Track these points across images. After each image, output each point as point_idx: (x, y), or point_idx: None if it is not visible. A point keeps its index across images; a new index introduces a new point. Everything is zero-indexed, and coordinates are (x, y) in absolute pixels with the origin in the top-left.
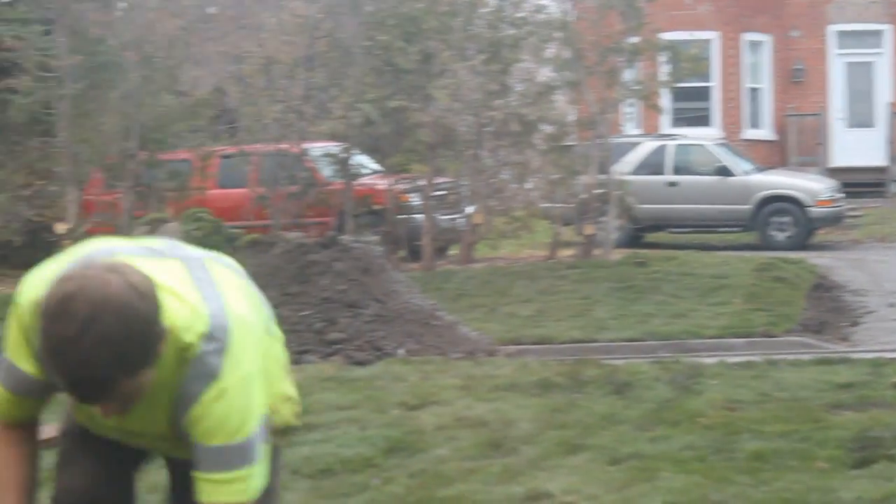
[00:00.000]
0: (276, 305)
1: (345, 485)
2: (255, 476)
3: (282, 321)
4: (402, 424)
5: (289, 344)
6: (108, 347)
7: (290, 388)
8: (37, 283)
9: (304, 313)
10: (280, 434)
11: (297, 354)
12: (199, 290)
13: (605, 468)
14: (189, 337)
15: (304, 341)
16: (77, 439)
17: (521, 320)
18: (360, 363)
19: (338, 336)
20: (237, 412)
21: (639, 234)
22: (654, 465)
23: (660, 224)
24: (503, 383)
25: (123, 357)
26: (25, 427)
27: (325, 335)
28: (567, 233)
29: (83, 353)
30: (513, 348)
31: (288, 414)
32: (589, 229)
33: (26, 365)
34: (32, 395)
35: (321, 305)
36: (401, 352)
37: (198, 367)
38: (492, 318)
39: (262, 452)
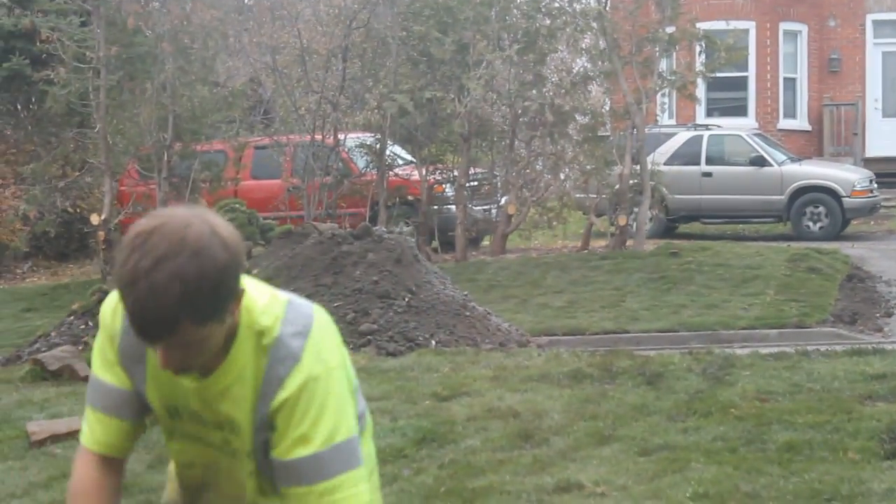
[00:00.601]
0: (309, 296)
1: None
2: (362, 483)
3: None
4: (434, 415)
5: None
6: (178, 286)
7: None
8: (115, 294)
9: (336, 304)
10: None
11: None
12: (285, 293)
13: (636, 459)
14: (267, 320)
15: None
16: None
17: (553, 311)
18: (392, 354)
19: (370, 327)
20: (323, 409)
21: (672, 224)
22: (685, 456)
23: (693, 214)
24: (534, 374)
25: (192, 299)
26: (116, 462)
27: (357, 326)
28: (600, 223)
29: (153, 288)
30: (545, 339)
31: None
32: (622, 220)
33: (111, 376)
34: (122, 414)
35: (354, 296)
36: (433, 343)
37: (279, 349)
38: (524, 308)
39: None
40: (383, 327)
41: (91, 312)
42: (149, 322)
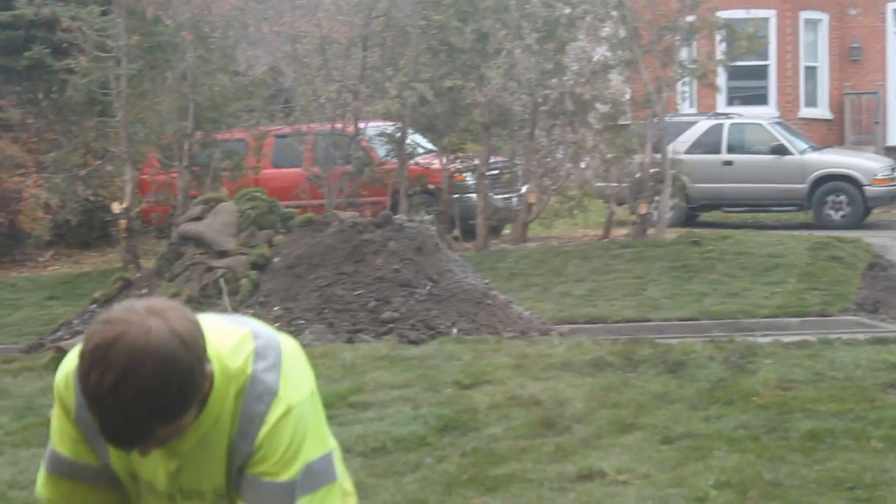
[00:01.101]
0: (330, 284)
1: (398, 463)
2: (335, 497)
3: (336, 300)
4: (456, 403)
5: (342, 323)
6: (146, 399)
7: (348, 484)
8: (68, 359)
9: (357, 292)
10: None
11: (351, 333)
12: (248, 325)
13: (659, 447)
14: (237, 361)
15: (357, 320)
16: None
17: (574, 300)
18: (414, 342)
19: (391, 315)
20: (303, 438)
21: (693, 213)
22: (707, 445)
23: (714, 203)
24: (556, 362)
25: (161, 407)
26: None
27: (378, 314)
28: (621, 212)
29: (121, 404)
30: (566, 327)
31: None
32: (643, 208)
33: (75, 452)
34: (96, 482)
35: (375, 285)
36: (454, 331)
37: (255, 387)
38: (545, 297)
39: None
40: (405, 315)
41: (113, 301)
42: (121, 436)
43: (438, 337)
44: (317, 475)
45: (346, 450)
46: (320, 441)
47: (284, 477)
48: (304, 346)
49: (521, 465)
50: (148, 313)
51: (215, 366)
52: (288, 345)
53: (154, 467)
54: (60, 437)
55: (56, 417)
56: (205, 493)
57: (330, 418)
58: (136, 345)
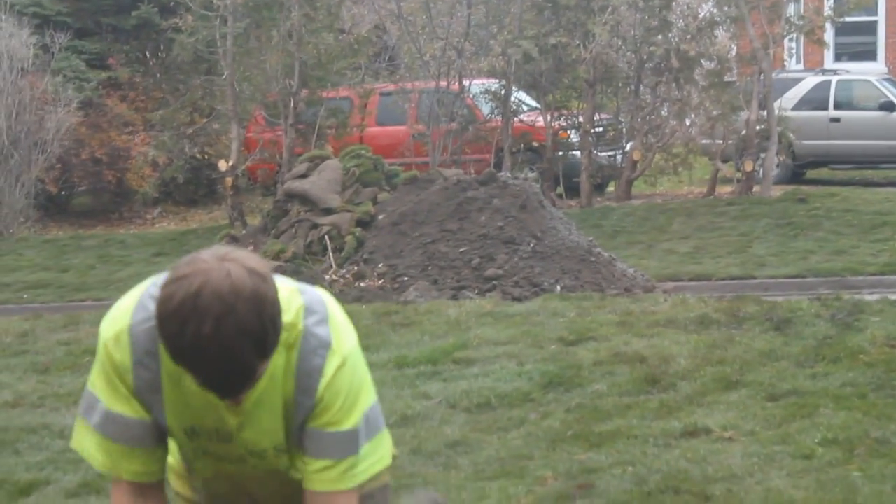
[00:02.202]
0: (434, 241)
1: (502, 419)
2: (367, 459)
3: (440, 257)
4: (560, 360)
5: (446, 280)
6: (247, 336)
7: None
8: (115, 317)
9: (462, 249)
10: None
11: (455, 290)
12: (291, 280)
13: (764, 404)
14: (288, 317)
15: (461, 277)
16: None
17: (679, 257)
18: (518, 299)
19: (495, 272)
20: (360, 387)
21: (799, 170)
22: (813, 402)
23: (821, 160)
24: (661, 319)
25: (261, 342)
26: (152, 488)
27: (482, 271)
28: (727, 169)
29: (225, 347)
30: (670, 285)
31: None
32: (749, 166)
33: (128, 409)
34: (146, 443)
35: (479, 242)
36: (558, 288)
37: (309, 342)
38: (649, 254)
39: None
40: (508, 273)
41: None
42: (230, 381)
43: (542, 294)
44: (374, 422)
45: (451, 405)
46: (371, 390)
47: (348, 425)
48: (409, 302)
49: (626, 422)
50: (218, 259)
51: None
52: (330, 299)
53: (219, 420)
54: (112, 396)
55: (103, 379)
56: (266, 452)
57: (435, 374)
58: (223, 288)
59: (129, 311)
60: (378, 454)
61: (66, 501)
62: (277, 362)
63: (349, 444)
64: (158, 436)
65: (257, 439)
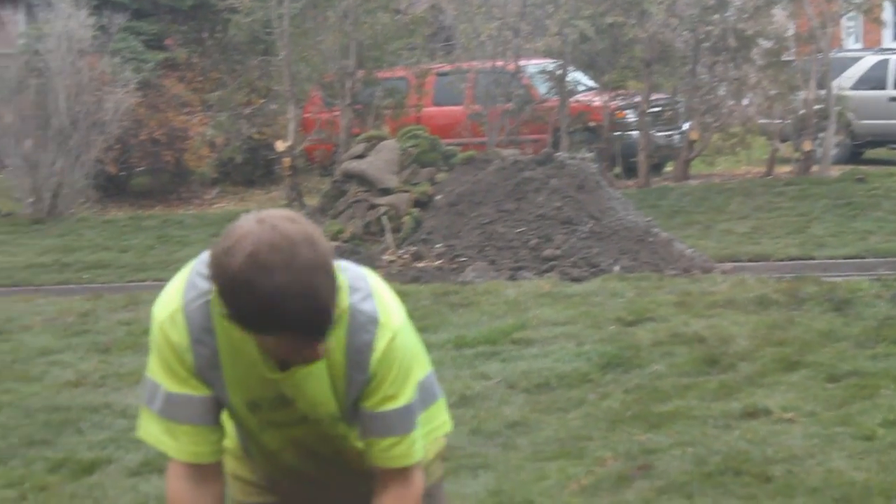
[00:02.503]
0: (492, 222)
1: (561, 399)
2: (443, 411)
3: (497, 238)
4: (619, 340)
5: (504, 260)
6: (319, 270)
7: None
8: (167, 299)
9: (519, 230)
10: (439, 458)
11: (513, 271)
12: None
13: (824, 385)
14: None
15: (519, 258)
16: None
17: (737, 237)
18: (576, 279)
19: (553, 253)
20: (412, 361)
21: (858, 150)
22: (874, 383)
23: (880, 140)
24: (720, 300)
25: (332, 273)
26: (211, 469)
27: (540, 252)
28: (785, 149)
29: (305, 287)
30: (729, 265)
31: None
32: (807, 145)
33: (189, 388)
34: (208, 420)
35: (536, 222)
36: (616, 268)
37: (356, 318)
38: (707, 235)
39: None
40: (566, 253)
41: None
42: (320, 320)
43: (600, 274)
44: (428, 391)
45: (510, 385)
46: (424, 361)
47: (404, 399)
48: (467, 283)
49: (685, 403)
50: (257, 222)
51: None
52: (372, 274)
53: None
54: (172, 378)
55: (161, 364)
56: (321, 420)
57: (494, 354)
58: (276, 239)
59: (179, 291)
60: (437, 421)
61: (127, 480)
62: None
63: (409, 418)
64: (218, 414)
65: (311, 409)
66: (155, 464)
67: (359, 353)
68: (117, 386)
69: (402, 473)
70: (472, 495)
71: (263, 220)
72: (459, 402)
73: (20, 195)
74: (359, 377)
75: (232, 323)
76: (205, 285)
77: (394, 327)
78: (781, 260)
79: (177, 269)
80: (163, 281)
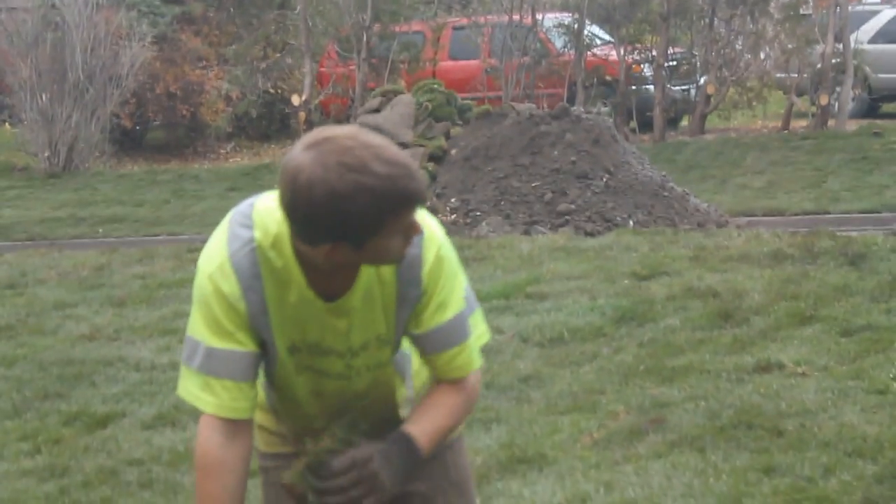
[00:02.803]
0: (507, 176)
1: (575, 353)
2: (481, 338)
3: (512, 192)
4: (633, 294)
5: (519, 214)
6: (391, 145)
7: None
8: (212, 253)
9: (534, 184)
10: None
11: (527, 225)
12: None
13: (838, 339)
14: None
15: (534, 212)
16: None
17: (752, 192)
18: (590, 234)
19: (568, 207)
20: (457, 271)
21: (875, 104)
22: (888, 337)
23: None
24: (734, 254)
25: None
26: (244, 425)
27: (555, 206)
28: (801, 103)
29: (403, 162)
30: (744, 220)
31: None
32: (824, 99)
33: (234, 343)
34: (247, 376)
35: (551, 176)
36: (631, 223)
37: None
38: (723, 189)
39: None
40: (581, 207)
41: None
42: (420, 177)
43: (614, 229)
44: (471, 298)
45: (524, 339)
46: (462, 275)
47: (455, 309)
48: (481, 237)
49: (699, 357)
50: (309, 146)
51: None
52: None
53: (324, 327)
54: (216, 333)
55: (206, 318)
56: (369, 343)
57: (507, 308)
58: (351, 139)
59: (223, 243)
60: (478, 330)
61: (141, 433)
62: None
63: (463, 326)
64: (257, 371)
65: (362, 334)
66: (168, 417)
67: (410, 268)
68: (131, 339)
69: (463, 380)
70: (485, 448)
71: (315, 141)
72: None
73: (36, 149)
74: (412, 292)
75: (339, 247)
76: (247, 234)
77: (438, 240)
78: (796, 214)
79: (192, 224)
80: (178, 235)
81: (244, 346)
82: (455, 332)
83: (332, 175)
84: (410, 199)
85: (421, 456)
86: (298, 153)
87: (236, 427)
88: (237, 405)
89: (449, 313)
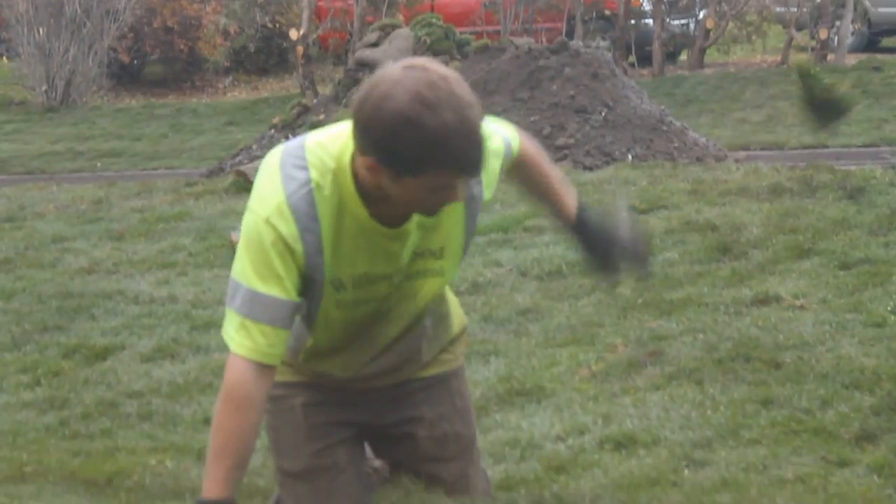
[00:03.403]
0: (506, 110)
1: (573, 286)
2: None
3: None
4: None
5: None
6: (479, 112)
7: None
8: (266, 195)
9: (533, 118)
10: (463, 336)
11: None
12: None
13: (836, 273)
14: None
15: None
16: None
17: (751, 126)
18: (589, 168)
19: (566, 141)
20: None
21: (875, 38)
22: (886, 270)
23: None
24: (733, 188)
25: (481, 116)
26: (271, 370)
27: (553, 140)
28: (801, 37)
29: (473, 125)
30: (742, 154)
31: (456, 304)
32: (823, 33)
33: (280, 290)
34: (286, 324)
35: (550, 111)
36: (629, 157)
37: None
38: (722, 123)
39: None
40: (580, 142)
41: (291, 126)
42: (480, 157)
43: (613, 163)
44: None
45: (522, 273)
46: None
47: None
48: None
49: (697, 290)
50: (408, 66)
51: None
52: None
53: (377, 254)
54: (264, 277)
55: (255, 261)
56: (424, 254)
57: (506, 242)
58: (440, 78)
59: (278, 186)
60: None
61: (141, 366)
62: None
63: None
64: (293, 320)
65: (434, 241)
66: (167, 350)
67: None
68: (130, 273)
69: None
70: (484, 381)
71: (413, 65)
72: (471, 290)
73: (33, 83)
74: (476, 189)
75: (381, 166)
76: (303, 175)
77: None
78: (795, 148)
79: (190, 158)
80: (176, 169)
81: (289, 294)
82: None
83: (406, 98)
84: (457, 162)
85: None
86: (393, 68)
87: (264, 370)
88: (272, 351)
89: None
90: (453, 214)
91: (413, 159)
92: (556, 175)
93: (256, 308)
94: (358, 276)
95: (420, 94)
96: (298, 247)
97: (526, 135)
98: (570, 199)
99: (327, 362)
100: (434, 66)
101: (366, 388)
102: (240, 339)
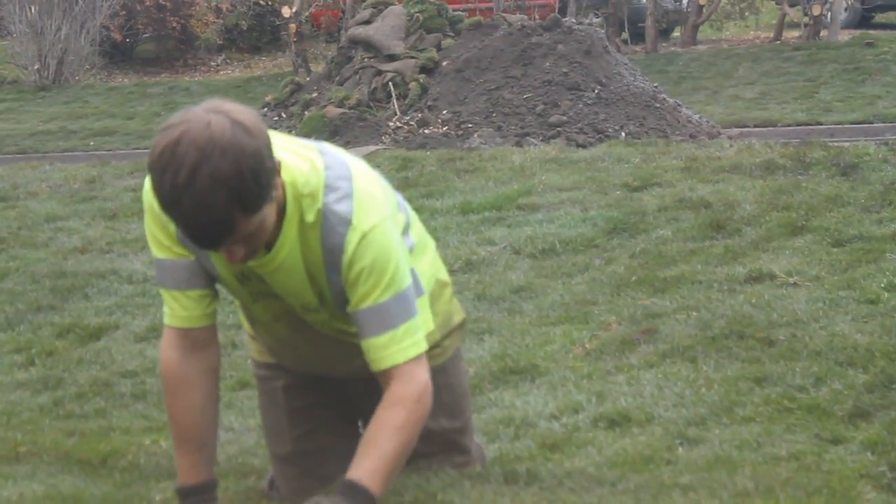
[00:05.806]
0: (498, 88)
1: (567, 264)
2: (421, 327)
3: (504, 104)
4: (624, 205)
5: (510, 126)
6: (221, 186)
7: (444, 275)
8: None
9: (525, 96)
10: (456, 330)
11: (519, 137)
12: (321, 153)
13: (829, 250)
14: (308, 188)
15: (525, 124)
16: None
17: (744, 103)
18: (582, 145)
19: (559, 119)
20: (386, 260)
21: (868, 14)
22: (879, 247)
23: (890, 4)
24: (726, 165)
25: (238, 194)
26: (199, 334)
27: (546, 117)
28: (794, 13)
29: (198, 197)
30: (735, 131)
31: (448, 301)
32: (816, 9)
33: (170, 254)
34: (193, 284)
35: (543, 88)
36: (622, 134)
37: (328, 219)
38: (715, 100)
39: (417, 304)
40: (573, 119)
41: (284, 104)
42: (206, 232)
43: (606, 140)
44: (397, 308)
45: (516, 251)
46: (398, 271)
47: (389, 292)
48: (473, 148)
49: (690, 267)
50: (207, 111)
51: (289, 192)
52: (359, 169)
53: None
54: (156, 244)
55: (149, 230)
56: (294, 308)
57: (499, 220)
58: (200, 137)
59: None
60: (424, 316)
61: (134, 345)
62: (290, 236)
63: (400, 309)
64: (204, 278)
65: (285, 297)
66: (161, 329)
67: (331, 253)
68: (123, 252)
69: (399, 371)
70: (478, 360)
71: (212, 111)
72: (465, 268)
73: (25, 62)
74: (335, 276)
75: None
76: None
77: (364, 228)
78: (788, 125)
79: None
80: None
81: (182, 255)
82: (384, 317)
83: (157, 146)
84: (182, 229)
85: (374, 499)
86: (194, 111)
87: (193, 340)
88: (187, 314)
89: (379, 298)
90: (294, 273)
91: (161, 207)
92: (392, 425)
93: (162, 274)
94: (257, 274)
95: (158, 152)
96: (171, 228)
97: (421, 367)
98: (368, 462)
99: (280, 356)
100: (195, 124)
101: (340, 380)
102: (165, 309)
